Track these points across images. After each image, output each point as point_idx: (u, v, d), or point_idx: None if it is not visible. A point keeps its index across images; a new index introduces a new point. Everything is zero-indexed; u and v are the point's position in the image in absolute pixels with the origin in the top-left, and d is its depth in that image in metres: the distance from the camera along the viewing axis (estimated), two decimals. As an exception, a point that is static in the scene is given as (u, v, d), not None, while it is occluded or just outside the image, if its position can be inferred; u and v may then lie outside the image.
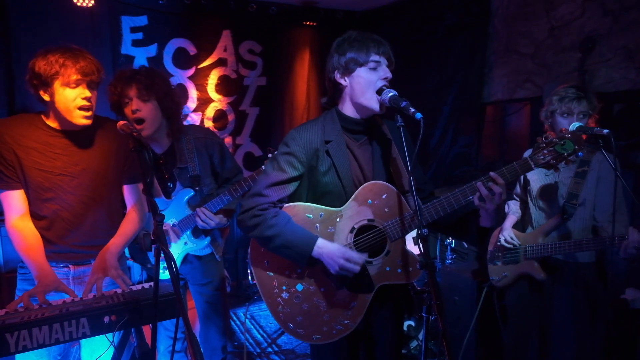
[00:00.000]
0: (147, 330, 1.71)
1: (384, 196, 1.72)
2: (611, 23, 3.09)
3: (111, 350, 1.75)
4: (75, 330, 1.43)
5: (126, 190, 2.10)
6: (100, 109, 2.01)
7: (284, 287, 1.79)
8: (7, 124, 1.89)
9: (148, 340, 1.44)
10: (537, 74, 3.62)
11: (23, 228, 1.88)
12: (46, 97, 1.83)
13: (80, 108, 1.85)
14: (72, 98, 1.82)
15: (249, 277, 4.69)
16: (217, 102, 4.46)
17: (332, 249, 1.68)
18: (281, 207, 1.77)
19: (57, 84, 1.80)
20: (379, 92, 1.67)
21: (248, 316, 4.18)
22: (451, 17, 4.23)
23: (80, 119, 1.87)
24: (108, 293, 1.69)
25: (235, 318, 4.19)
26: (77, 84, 1.82)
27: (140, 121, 2.18)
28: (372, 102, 1.69)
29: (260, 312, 4.27)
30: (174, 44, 4.14)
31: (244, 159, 4.68)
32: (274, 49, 4.64)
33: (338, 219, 1.74)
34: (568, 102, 2.24)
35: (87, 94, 1.85)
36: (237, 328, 4.01)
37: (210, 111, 4.45)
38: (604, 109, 2.36)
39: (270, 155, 2.37)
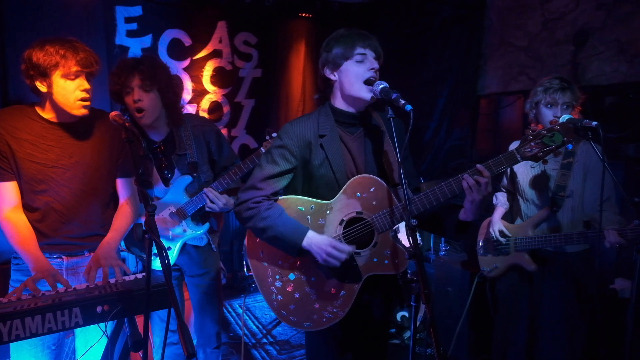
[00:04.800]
0: (141, 320, 1.73)
1: (372, 189, 1.75)
2: (604, 16, 3.10)
3: (104, 340, 1.78)
4: (68, 319, 1.44)
5: (119, 183, 2.11)
6: (95, 101, 2.02)
7: (277, 276, 1.84)
8: (0, 116, 1.89)
9: (141, 330, 1.45)
10: (530, 67, 3.64)
11: (16, 220, 1.89)
12: (43, 88, 1.83)
13: (80, 100, 1.86)
14: (71, 90, 1.83)
15: (244, 269, 4.72)
16: (212, 93, 4.45)
17: (320, 239, 1.72)
18: (276, 200, 1.82)
19: (56, 75, 1.80)
20: (368, 82, 1.71)
21: (244, 307, 4.21)
22: (447, 9, 4.23)
23: (79, 109, 1.88)
24: (101, 283, 1.70)
25: (230, 309, 4.22)
26: (77, 75, 1.83)
27: (140, 110, 2.21)
28: (362, 92, 1.72)
29: (255, 304, 4.30)
30: (168, 34, 4.12)
31: (239, 151, 4.68)
32: (270, 40, 4.62)
33: (328, 212, 1.78)
34: (552, 92, 2.27)
35: (87, 85, 1.86)
36: (231, 319, 4.05)
37: (206, 103, 4.44)
38: (595, 101, 2.39)
39: (268, 137, 2.40)
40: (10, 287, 2.04)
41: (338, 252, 1.69)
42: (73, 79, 1.83)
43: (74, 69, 1.80)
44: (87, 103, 1.89)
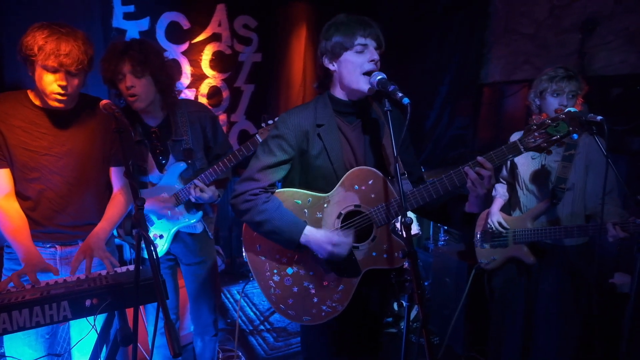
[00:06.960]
0: (131, 313, 1.71)
1: (370, 182, 1.72)
2: (614, 4, 3.01)
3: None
4: (56, 313, 1.43)
5: (113, 172, 2.08)
6: (92, 87, 1.97)
7: (275, 271, 1.83)
8: None
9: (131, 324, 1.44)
10: (536, 56, 3.55)
11: (8, 208, 1.87)
12: (30, 72, 1.79)
13: (56, 94, 1.80)
14: (48, 82, 1.78)
15: (243, 255, 4.72)
16: (212, 78, 4.38)
17: (318, 236, 1.70)
18: (273, 192, 1.79)
19: (37, 63, 1.75)
20: (367, 74, 1.66)
21: (242, 294, 4.22)
22: (450, -6, 4.12)
23: (54, 101, 1.82)
24: (91, 275, 1.68)
25: (229, 296, 4.23)
26: (54, 71, 1.76)
27: (133, 95, 2.17)
28: (361, 84, 1.67)
29: (253, 290, 4.31)
30: (166, 17, 4.04)
31: (238, 136, 4.63)
32: (270, 24, 4.53)
33: (325, 205, 1.75)
34: (559, 80, 2.24)
35: (63, 82, 1.78)
36: (229, 305, 4.06)
37: (205, 88, 4.37)
38: (601, 92, 2.33)
39: (264, 124, 2.36)
40: (3, 275, 2.03)
41: (339, 249, 1.67)
42: (52, 72, 1.77)
43: (51, 64, 1.73)
44: (63, 98, 1.82)
